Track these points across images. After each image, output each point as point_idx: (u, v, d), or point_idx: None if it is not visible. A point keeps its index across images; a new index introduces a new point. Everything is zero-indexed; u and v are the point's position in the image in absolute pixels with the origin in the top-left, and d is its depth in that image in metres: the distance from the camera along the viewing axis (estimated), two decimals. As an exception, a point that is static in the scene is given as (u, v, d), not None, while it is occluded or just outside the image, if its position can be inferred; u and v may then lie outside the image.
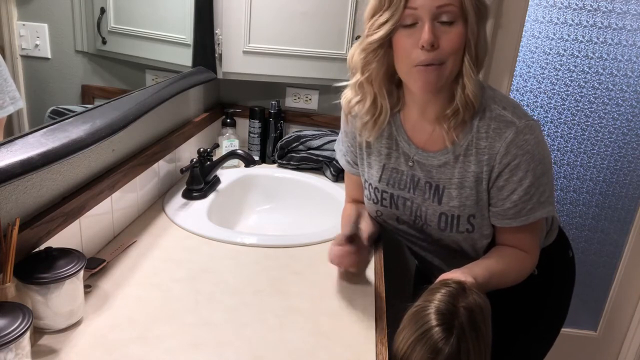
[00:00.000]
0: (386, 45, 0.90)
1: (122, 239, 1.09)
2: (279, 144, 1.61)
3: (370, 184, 1.08)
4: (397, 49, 0.89)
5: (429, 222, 1.01)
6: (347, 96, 1.01)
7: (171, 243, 1.10)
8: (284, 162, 1.59)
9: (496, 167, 0.92)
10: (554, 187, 0.97)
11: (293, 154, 1.59)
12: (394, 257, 1.88)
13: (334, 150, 1.56)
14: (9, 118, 0.77)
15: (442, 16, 0.84)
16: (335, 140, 1.58)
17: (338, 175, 1.53)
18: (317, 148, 1.58)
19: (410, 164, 1.01)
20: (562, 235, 1.16)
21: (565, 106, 1.77)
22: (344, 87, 1.02)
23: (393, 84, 0.97)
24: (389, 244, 1.77)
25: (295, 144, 1.59)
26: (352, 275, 1.03)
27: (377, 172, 1.05)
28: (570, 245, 1.19)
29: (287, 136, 1.62)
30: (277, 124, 1.64)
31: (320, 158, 1.55)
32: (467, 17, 0.85)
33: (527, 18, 1.63)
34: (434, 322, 0.76)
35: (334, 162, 1.53)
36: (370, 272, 1.05)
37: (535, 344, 1.17)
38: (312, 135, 1.60)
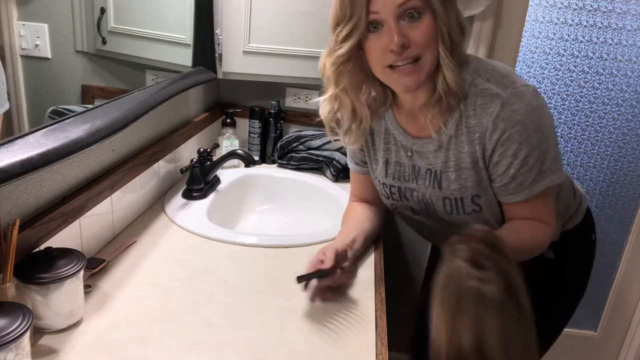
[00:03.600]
0: (356, 54, 0.89)
1: (122, 239, 1.09)
2: (279, 144, 1.61)
3: (379, 181, 1.07)
4: (369, 54, 0.88)
5: (437, 208, 1.00)
6: (325, 109, 0.99)
7: (171, 243, 1.10)
8: (284, 162, 1.59)
9: (488, 145, 0.89)
10: (558, 151, 0.92)
11: (293, 154, 1.59)
12: (394, 258, 1.88)
13: (334, 150, 1.57)
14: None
15: (407, 13, 0.82)
16: (335, 140, 1.58)
17: (338, 175, 1.53)
18: (317, 148, 1.58)
19: (409, 154, 1.00)
20: (588, 217, 1.12)
21: (565, 106, 1.77)
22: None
23: (377, 81, 0.95)
24: (390, 244, 1.77)
25: (295, 144, 1.59)
26: (351, 275, 1.03)
27: (382, 168, 1.05)
28: (594, 227, 1.15)
29: (287, 136, 1.62)
30: (277, 124, 1.64)
31: (320, 158, 1.55)
32: (433, 6, 0.82)
33: (527, 18, 1.62)
34: (463, 271, 0.65)
35: (334, 162, 1.53)
36: (370, 273, 1.05)
37: (554, 316, 1.16)
38: (312, 135, 1.60)
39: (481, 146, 0.90)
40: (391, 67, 0.86)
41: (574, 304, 1.16)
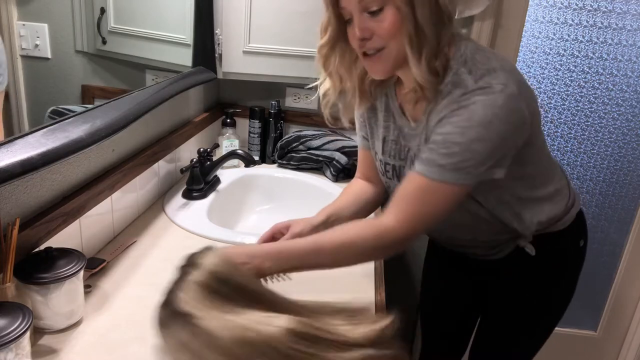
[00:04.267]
0: (341, 42, 0.94)
1: (122, 239, 1.09)
2: (279, 144, 1.61)
3: (377, 157, 1.08)
4: (350, 42, 0.93)
5: None
6: (321, 92, 1.03)
7: (171, 243, 1.10)
8: (284, 162, 1.59)
9: (433, 120, 0.88)
10: (496, 168, 0.84)
11: (293, 154, 1.59)
12: (394, 258, 1.88)
13: (334, 150, 1.57)
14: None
15: (369, 7, 0.85)
16: (335, 140, 1.58)
17: (338, 175, 1.53)
18: (317, 148, 1.58)
19: (403, 134, 1.00)
20: (578, 222, 1.11)
21: (565, 106, 1.77)
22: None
23: None
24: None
25: (295, 144, 1.59)
26: (351, 276, 1.03)
27: (380, 144, 1.06)
28: (586, 234, 1.14)
29: (287, 136, 1.62)
30: (277, 124, 1.64)
31: (320, 158, 1.55)
32: (396, 3, 0.83)
33: (527, 18, 1.62)
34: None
35: (334, 162, 1.53)
36: (371, 273, 1.05)
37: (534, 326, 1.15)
38: (312, 135, 1.60)
39: (430, 122, 0.89)
40: (364, 54, 0.90)
41: (559, 306, 1.15)
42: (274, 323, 0.70)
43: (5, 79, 0.75)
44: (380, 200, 1.18)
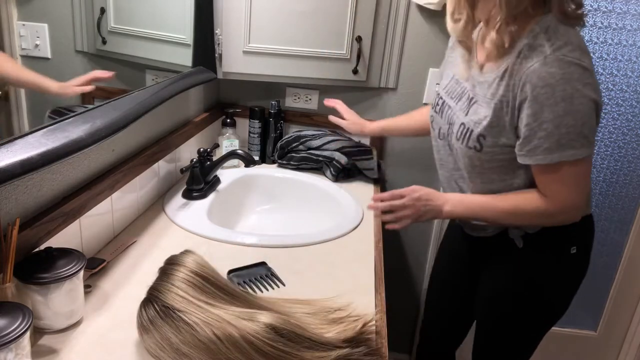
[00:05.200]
0: None
1: (122, 239, 1.09)
2: (279, 144, 1.61)
3: (438, 87, 1.19)
4: None
5: (454, 131, 1.07)
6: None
7: (171, 243, 1.10)
8: (284, 162, 1.59)
9: (518, 95, 0.93)
10: (588, 133, 0.91)
11: (293, 154, 1.59)
12: (394, 258, 1.88)
13: (334, 150, 1.57)
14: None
15: None
16: (335, 140, 1.58)
17: (338, 175, 1.53)
18: (317, 148, 1.58)
19: (471, 78, 1.05)
20: (574, 229, 1.06)
21: (565, 106, 1.77)
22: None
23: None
24: (390, 244, 1.77)
25: (295, 144, 1.59)
26: (352, 276, 1.04)
27: (446, 80, 1.15)
28: (583, 241, 1.11)
29: (287, 136, 1.62)
30: (277, 124, 1.64)
31: (320, 158, 1.55)
32: None
33: (527, 18, 1.62)
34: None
35: (333, 162, 1.53)
36: (371, 273, 1.05)
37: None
38: (312, 135, 1.60)
39: (513, 94, 0.94)
40: None
41: (548, 309, 1.13)
42: (254, 318, 0.72)
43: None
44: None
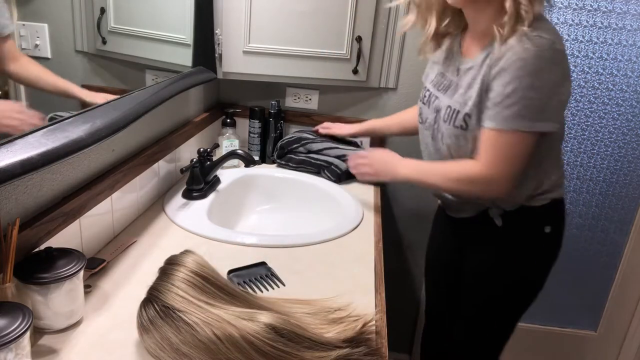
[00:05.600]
0: None
1: (122, 239, 1.09)
2: (279, 144, 1.61)
3: (424, 83, 1.25)
4: None
5: (441, 115, 1.13)
6: (404, 22, 1.20)
7: (171, 243, 1.10)
8: (283, 162, 1.58)
9: (493, 70, 0.99)
10: (550, 108, 0.98)
11: (292, 155, 1.58)
12: (394, 258, 1.88)
13: (333, 157, 1.56)
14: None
15: None
16: (335, 147, 1.57)
17: (335, 180, 1.52)
18: (317, 152, 1.57)
19: (456, 71, 1.13)
20: (552, 209, 1.16)
21: (565, 106, 1.77)
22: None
23: (455, 11, 1.12)
24: (390, 244, 1.77)
25: (296, 145, 1.59)
26: (352, 276, 1.04)
27: (433, 75, 1.22)
28: (557, 223, 1.18)
29: (288, 136, 1.62)
30: (277, 124, 1.64)
31: (318, 162, 1.54)
32: None
33: (527, 18, 1.62)
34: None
35: (332, 167, 1.52)
36: (371, 273, 1.05)
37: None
38: (314, 138, 1.59)
39: (489, 69, 1.00)
40: None
41: (523, 290, 1.21)
42: (254, 318, 0.72)
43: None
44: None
